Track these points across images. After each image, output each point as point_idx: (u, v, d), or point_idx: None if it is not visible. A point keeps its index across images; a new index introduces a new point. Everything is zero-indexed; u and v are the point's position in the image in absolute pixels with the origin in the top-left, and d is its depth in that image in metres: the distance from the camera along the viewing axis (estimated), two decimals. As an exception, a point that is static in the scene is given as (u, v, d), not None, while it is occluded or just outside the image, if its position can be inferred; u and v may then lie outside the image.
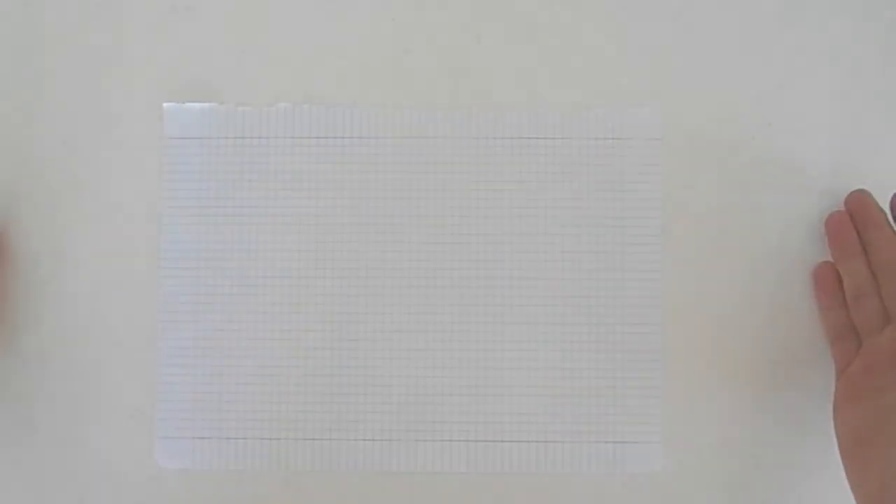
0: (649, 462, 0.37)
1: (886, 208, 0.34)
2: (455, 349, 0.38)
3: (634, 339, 0.38)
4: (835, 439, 0.33)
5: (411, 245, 0.39)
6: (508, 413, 0.38)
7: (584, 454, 0.38)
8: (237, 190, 0.39)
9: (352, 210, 0.39)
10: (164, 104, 0.40)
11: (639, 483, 0.38)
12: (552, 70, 0.41)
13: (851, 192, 0.36)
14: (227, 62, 0.41)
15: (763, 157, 0.41)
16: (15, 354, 0.38)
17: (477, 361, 0.38)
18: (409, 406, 0.38)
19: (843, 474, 0.32)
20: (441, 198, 0.39)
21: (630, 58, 0.41)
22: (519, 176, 0.39)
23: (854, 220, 0.35)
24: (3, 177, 0.40)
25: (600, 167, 0.39)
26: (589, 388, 0.38)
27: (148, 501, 0.38)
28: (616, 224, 0.39)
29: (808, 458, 0.37)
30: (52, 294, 0.39)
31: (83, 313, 0.38)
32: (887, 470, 0.28)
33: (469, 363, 0.38)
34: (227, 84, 0.40)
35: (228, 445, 0.38)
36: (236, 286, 0.38)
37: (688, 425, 0.37)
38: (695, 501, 0.39)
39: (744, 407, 0.38)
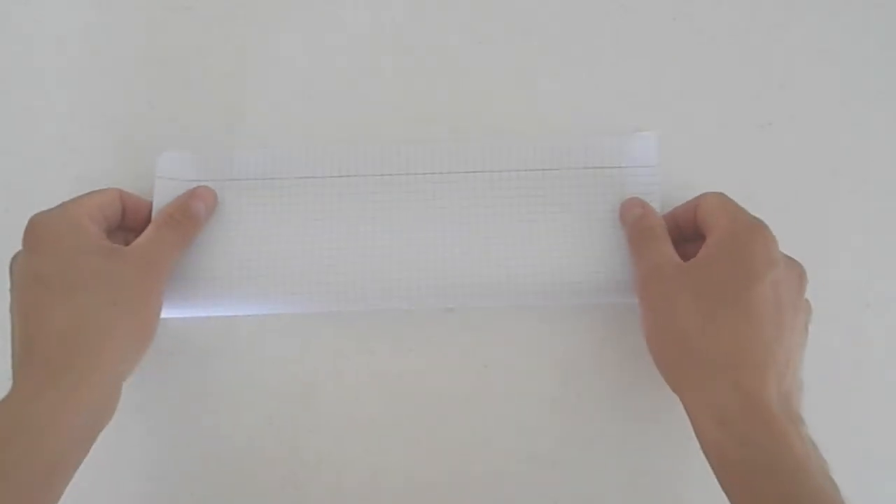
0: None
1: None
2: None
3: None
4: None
5: (410, 276, 0.38)
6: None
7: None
8: (226, 217, 0.39)
9: (347, 242, 0.39)
10: (161, 155, 0.39)
11: (641, 480, 0.39)
12: (551, 68, 0.41)
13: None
14: (228, 61, 0.41)
15: (763, 157, 0.41)
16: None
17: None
18: None
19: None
20: (441, 229, 0.39)
21: (630, 54, 0.41)
22: (519, 207, 0.39)
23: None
24: (3, 176, 0.40)
25: (599, 196, 0.39)
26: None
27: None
28: (617, 251, 0.38)
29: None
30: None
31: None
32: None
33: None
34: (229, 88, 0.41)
35: None
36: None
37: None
38: (695, 499, 0.39)
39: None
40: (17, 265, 0.34)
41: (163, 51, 0.41)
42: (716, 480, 0.31)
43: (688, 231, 0.37)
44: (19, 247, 0.34)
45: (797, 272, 0.34)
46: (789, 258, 0.34)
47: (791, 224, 0.35)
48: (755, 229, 0.33)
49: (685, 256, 0.34)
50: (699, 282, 0.33)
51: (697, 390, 0.32)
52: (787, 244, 0.37)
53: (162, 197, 0.38)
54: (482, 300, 0.38)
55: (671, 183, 0.39)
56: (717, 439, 0.31)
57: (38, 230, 0.34)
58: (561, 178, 0.39)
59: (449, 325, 0.39)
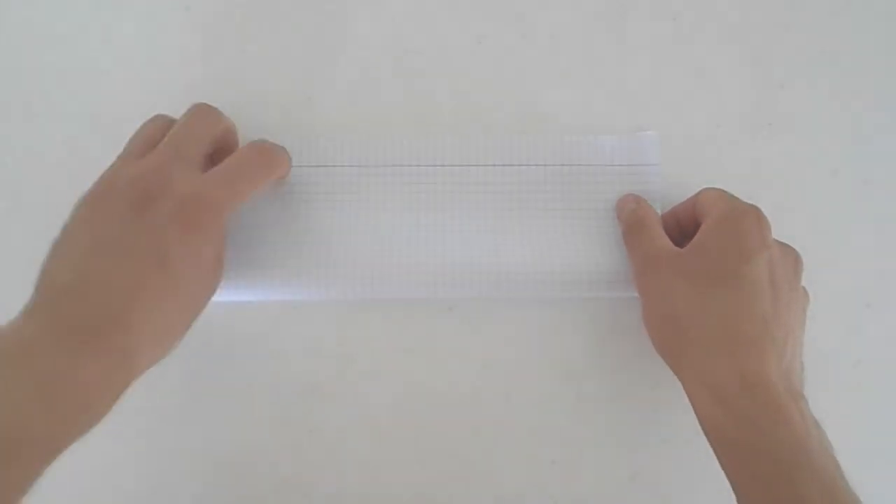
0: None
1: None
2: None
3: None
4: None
5: (409, 266, 0.38)
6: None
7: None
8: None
9: (349, 231, 0.39)
10: None
11: (641, 480, 0.39)
12: (551, 68, 0.41)
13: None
14: (228, 61, 0.41)
15: (763, 157, 0.41)
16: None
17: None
18: None
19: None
20: (441, 222, 0.39)
21: (630, 54, 0.41)
22: (519, 203, 0.39)
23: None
24: (3, 176, 0.40)
25: (600, 194, 0.39)
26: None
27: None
28: (616, 247, 0.38)
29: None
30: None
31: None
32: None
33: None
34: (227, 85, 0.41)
35: None
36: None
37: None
38: (695, 499, 0.39)
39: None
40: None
41: (163, 51, 0.41)
42: (716, 481, 0.31)
43: (689, 227, 0.37)
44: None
45: (793, 256, 0.35)
46: (784, 244, 0.35)
47: (791, 224, 0.35)
48: (748, 212, 0.33)
49: None
50: (693, 266, 0.33)
51: (696, 371, 0.32)
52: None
53: None
54: (481, 293, 0.38)
55: (671, 183, 0.39)
56: (717, 419, 0.31)
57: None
58: (562, 176, 0.39)
59: (449, 324, 0.39)
